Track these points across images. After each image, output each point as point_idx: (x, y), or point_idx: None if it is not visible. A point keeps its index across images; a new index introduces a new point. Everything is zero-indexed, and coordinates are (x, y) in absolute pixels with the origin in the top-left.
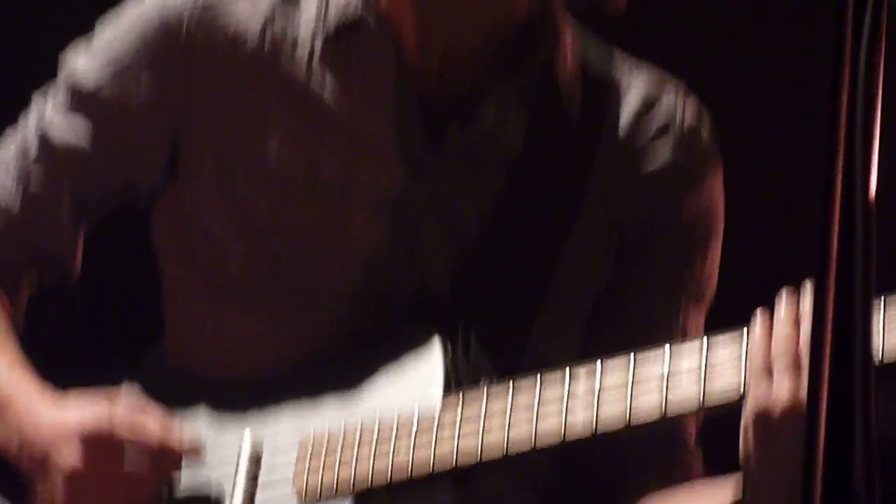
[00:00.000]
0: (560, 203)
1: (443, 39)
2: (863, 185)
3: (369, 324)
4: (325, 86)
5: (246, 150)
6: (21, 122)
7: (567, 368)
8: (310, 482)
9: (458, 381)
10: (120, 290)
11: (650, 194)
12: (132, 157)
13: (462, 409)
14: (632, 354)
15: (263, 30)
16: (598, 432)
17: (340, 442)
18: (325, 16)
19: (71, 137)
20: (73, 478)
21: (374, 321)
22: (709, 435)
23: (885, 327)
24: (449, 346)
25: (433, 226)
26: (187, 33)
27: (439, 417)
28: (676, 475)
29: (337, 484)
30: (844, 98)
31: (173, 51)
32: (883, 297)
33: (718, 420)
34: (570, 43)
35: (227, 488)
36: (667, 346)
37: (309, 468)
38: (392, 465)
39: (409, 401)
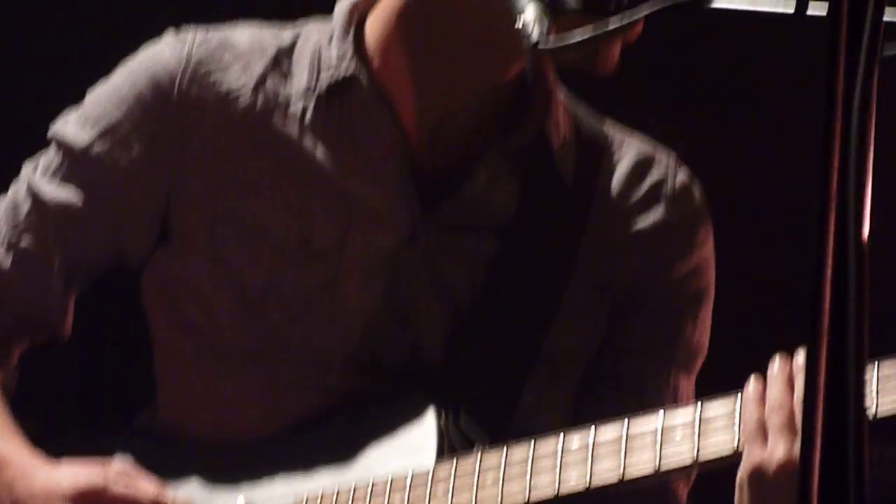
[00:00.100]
0: (552, 266)
1: (437, 101)
2: (855, 233)
3: (362, 389)
4: (318, 146)
5: (237, 212)
6: (11, 185)
7: (561, 434)
8: None
9: (451, 447)
10: (112, 351)
11: (642, 255)
12: (123, 218)
13: (456, 469)
14: (626, 420)
15: (256, 88)
16: (592, 487)
17: (334, 500)
18: (318, 75)
19: (62, 196)
20: None
21: (368, 386)
22: (702, 493)
23: (879, 388)
24: (442, 413)
25: (426, 290)
26: (179, 91)
27: (434, 472)
28: None
29: None
30: (836, 161)
31: (165, 109)
32: (876, 362)
33: (711, 477)
34: (563, 104)
35: None
36: (661, 411)
37: None
38: None
39: (403, 467)
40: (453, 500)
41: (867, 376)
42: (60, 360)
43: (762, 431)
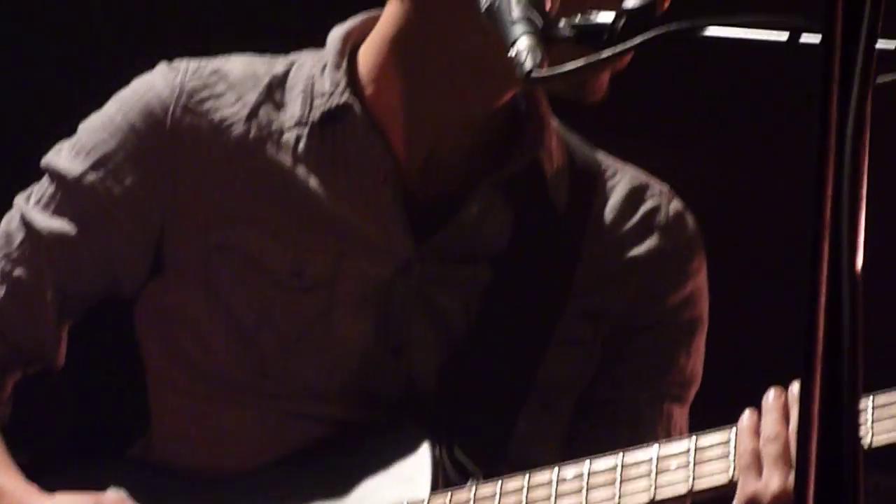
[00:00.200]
0: (546, 295)
1: (430, 129)
2: (849, 262)
3: (357, 419)
4: (311, 175)
5: (231, 242)
6: (5, 216)
7: (556, 468)
8: None
9: (445, 477)
10: (105, 382)
11: (635, 283)
12: (117, 248)
13: (450, 501)
14: (621, 454)
15: (249, 118)
16: None
17: None
18: (311, 104)
19: (55, 226)
20: None
21: (362, 416)
22: None
23: (874, 418)
24: (436, 443)
25: (419, 319)
26: (172, 120)
27: (429, 500)
28: None
29: None
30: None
31: (158, 139)
32: (872, 397)
33: None
34: (556, 132)
35: None
36: (655, 445)
37: None
38: None
39: (397, 498)
40: None
41: (862, 406)
42: (53, 390)
43: (757, 462)
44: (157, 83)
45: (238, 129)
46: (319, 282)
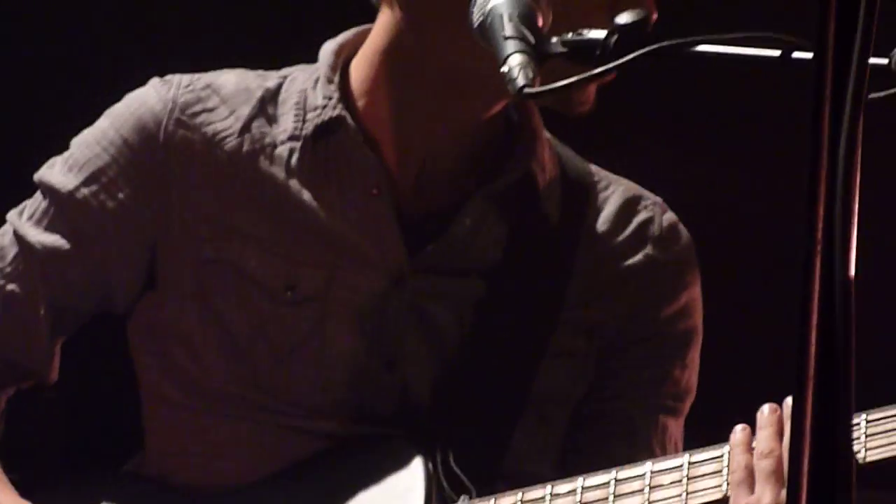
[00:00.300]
0: (540, 307)
1: (421, 142)
2: (842, 278)
3: (350, 433)
4: (304, 189)
5: (224, 256)
6: None
7: (549, 485)
8: None
9: (439, 491)
10: (99, 396)
11: (629, 294)
12: (110, 262)
13: None
14: (614, 470)
15: (242, 131)
16: None
17: None
18: (304, 117)
19: (48, 241)
20: None
21: (355, 430)
22: None
23: (867, 433)
24: (430, 457)
25: (413, 333)
26: (165, 134)
27: None
28: None
29: None
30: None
31: (151, 153)
32: (865, 415)
33: None
34: (548, 144)
35: None
36: (649, 461)
37: None
38: None
39: None
40: None
41: (855, 421)
42: (47, 405)
43: (750, 478)
44: (149, 97)
45: (231, 142)
46: (313, 295)
